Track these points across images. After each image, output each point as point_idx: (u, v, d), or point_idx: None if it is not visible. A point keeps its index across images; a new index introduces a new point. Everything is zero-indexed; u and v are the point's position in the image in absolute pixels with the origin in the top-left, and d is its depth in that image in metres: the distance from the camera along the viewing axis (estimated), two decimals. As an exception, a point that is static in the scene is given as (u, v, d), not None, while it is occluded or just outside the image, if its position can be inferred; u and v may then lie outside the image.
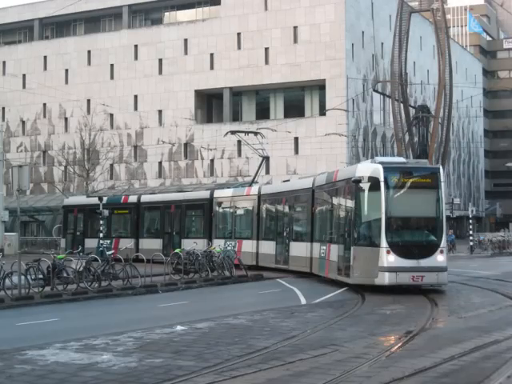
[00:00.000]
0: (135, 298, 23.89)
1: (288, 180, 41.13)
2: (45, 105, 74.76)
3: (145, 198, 43.49)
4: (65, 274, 24.26)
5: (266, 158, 41.36)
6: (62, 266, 24.20)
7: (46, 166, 74.94)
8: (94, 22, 77.56)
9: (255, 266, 33.83)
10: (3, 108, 77.43)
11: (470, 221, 57.90)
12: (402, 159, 26.21)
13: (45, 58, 75.51)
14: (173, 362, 12.25)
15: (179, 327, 16.01)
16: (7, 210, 50.79)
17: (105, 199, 41.66)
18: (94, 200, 41.64)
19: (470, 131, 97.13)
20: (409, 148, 60.16)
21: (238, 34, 66.71)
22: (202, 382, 10.87)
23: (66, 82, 73.88)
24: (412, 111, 64.32)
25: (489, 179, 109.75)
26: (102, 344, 14.09)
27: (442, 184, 23.74)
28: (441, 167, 24.57)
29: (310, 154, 61.68)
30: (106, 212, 39.55)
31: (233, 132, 41.79)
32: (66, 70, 74.23)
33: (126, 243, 37.71)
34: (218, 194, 38.79)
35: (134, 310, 21.15)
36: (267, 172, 62.00)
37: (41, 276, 23.68)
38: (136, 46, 71.17)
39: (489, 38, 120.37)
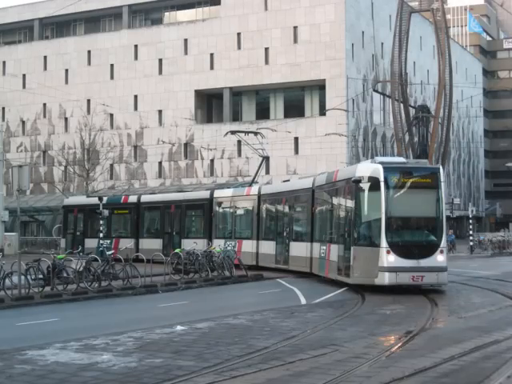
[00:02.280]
0: (135, 298, 23.90)
1: (288, 180, 41.12)
2: (45, 105, 74.78)
3: (145, 198, 43.49)
4: (65, 274, 24.27)
5: (266, 158, 41.37)
6: (62, 266, 24.21)
7: (46, 166, 74.96)
8: (93, 22, 77.58)
9: (255, 266, 33.83)
10: (3, 108, 77.44)
11: (470, 221, 57.92)
12: (402, 159, 26.20)
13: (45, 57, 75.52)
14: (173, 362, 12.25)
15: (179, 327, 16.01)
16: (7, 210, 50.79)
17: (105, 199, 41.67)
18: (94, 200, 41.66)
19: (470, 131, 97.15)
20: (409, 148, 60.18)
21: (238, 34, 66.73)
22: (202, 382, 10.87)
23: (66, 82, 73.89)
24: (412, 111, 64.34)
25: (489, 179, 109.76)
26: (101, 344, 14.09)
27: (442, 184, 23.75)
28: (441, 167, 24.57)
29: (310, 153, 61.70)
30: (106, 212, 39.57)
31: (233, 132, 41.80)
32: (66, 70, 74.25)
33: (126, 243, 37.71)
34: (217, 194, 38.80)
35: (133, 310, 21.15)
36: (267, 172, 62.02)
37: (41, 276, 23.69)
38: (136, 46, 71.19)
39: (489, 38, 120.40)
